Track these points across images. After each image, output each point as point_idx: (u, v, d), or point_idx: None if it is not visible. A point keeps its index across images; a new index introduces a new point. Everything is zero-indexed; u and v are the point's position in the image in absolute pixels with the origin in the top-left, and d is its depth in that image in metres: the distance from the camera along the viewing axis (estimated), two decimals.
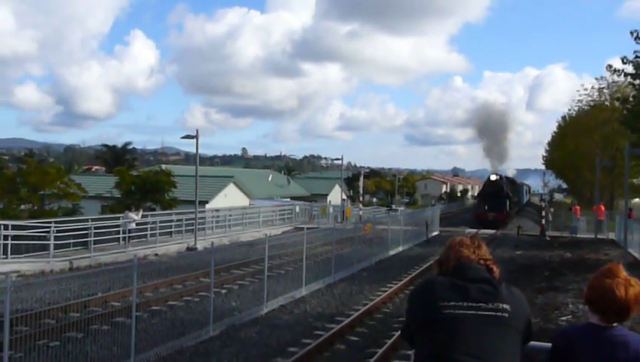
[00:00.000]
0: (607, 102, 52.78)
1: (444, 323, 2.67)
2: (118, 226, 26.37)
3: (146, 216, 29.49)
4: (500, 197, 47.49)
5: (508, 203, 48.03)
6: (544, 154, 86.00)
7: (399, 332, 10.38)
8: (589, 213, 42.33)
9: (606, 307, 2.73)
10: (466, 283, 2.76)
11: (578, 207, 45.05)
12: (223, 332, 12.94)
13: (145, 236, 27.68)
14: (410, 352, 3.03)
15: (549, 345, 2.94)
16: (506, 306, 2.70)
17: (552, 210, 46.47)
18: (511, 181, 56.29)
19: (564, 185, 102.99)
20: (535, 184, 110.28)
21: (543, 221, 38.87)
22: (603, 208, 39.78)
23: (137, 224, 27.05)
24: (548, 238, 35.88)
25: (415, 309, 2.86)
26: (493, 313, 2.67)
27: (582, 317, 14.13)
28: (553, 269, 22.95)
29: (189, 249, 26.97)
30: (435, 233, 36.85)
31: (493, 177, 50.33)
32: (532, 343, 2.96)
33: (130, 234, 26.07)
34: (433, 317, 2.70)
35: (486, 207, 47.47)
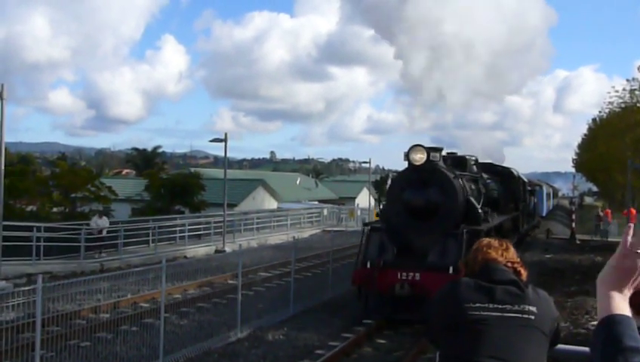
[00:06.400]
0: (638, 104, 51.93)
1: (469, 324, 2.65)
2: (147, 228, 26.62)
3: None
4: (439, 217, 14.28)
5: (463, 242, 13.44)
6: (574, 156, 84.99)
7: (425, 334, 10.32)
8: (620, 217, 41.73)
9: None
10: (492, 284, 2.75)
11: (609, 211, 44.42)
12: (250, 334, 13.01)
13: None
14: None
15: (580, 349, 2.90)
16: (532, 308, 2.68)
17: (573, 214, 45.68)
18: (498, 173, 23.02)
19: (595, 188, 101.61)
20: (564, 187, 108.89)
21: (573, 224, 38.38)
22: (634, 211, 39.18)
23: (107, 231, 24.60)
24: (578, 242, 35.44)
25: (440, 310, 2.86)
26: (519, 315, 2.65)
27: None
28: (584, 273, 22.65)
29: (217, 251, 27.13)
30: None
31: (417, 155, 14.09)
32: (563, 347, 2.92)
33: (103, 243, 23.99)
34: (458, 318, 2.69)
35: (394, 250, 14.17)
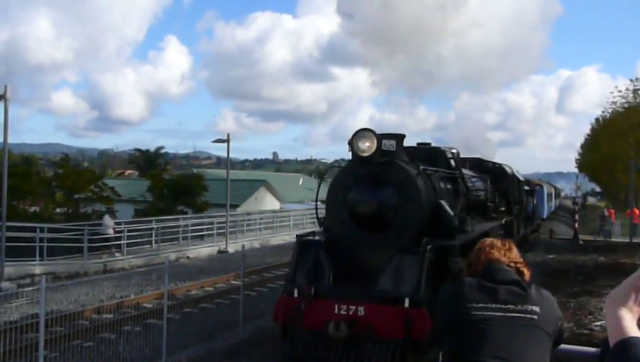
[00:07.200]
0: None
1: (472, 324, 2.66)
2: (150, 229, 26.64)
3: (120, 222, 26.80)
4: (396, 227, 10.09)
5: (425, 262, 9.36)
6: (577, 157, 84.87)
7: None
8: (624, 217, 41.68)
9: None
10: (495, 284, 2.76)
11: (612, 211, 44.34)
12: (253, 334, 13.00)
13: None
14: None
15: (583, 349, 2.90)
16: (535, 308, 2.69)
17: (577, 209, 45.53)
18: (488, 170, 19.03)
19: (598, 189, 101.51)
20: (567, 187, 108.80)
21: (577, 224, 38.28)
22: (637, 212, 39.12)
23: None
24: (581, 242, 35.35)
25: (443, 310, 2.87)
26: (522, 315, 2.66)
27: None
28: (587, 273, 22.59)
29: (220, 252, 27.14)
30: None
31: (365, 143, 9.93)
32: (566, 347, 2.93)
33: (108, 243, 24.07)
34: (461, 318, 2.70)
35: (331, 273, 9.88)
